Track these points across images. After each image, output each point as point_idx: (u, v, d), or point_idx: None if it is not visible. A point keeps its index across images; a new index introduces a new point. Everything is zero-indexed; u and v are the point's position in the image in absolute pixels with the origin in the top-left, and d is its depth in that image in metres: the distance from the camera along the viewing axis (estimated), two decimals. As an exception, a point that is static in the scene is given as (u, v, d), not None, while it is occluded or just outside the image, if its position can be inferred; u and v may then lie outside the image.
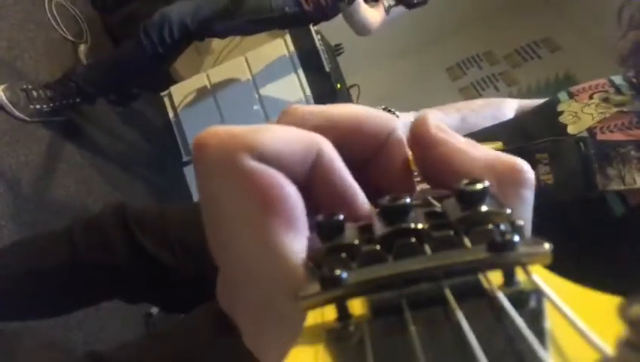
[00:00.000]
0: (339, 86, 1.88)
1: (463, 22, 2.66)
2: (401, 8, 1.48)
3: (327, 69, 1.83)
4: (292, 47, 1.84)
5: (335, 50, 2.07)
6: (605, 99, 0.50)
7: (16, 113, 1.28)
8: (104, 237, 0.70)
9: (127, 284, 0.72)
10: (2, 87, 1.27)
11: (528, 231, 0.16)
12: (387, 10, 1.47)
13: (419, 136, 0.16)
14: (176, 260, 0.68)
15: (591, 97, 0.51)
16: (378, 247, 0.13)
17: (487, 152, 0.16)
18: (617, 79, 0.53)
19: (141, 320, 1.37)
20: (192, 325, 0.56)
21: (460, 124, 0.63)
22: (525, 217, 0.16)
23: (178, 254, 0.68)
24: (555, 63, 2.48)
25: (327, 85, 1.83)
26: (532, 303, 0.11)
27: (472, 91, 2.60)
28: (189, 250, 0.68)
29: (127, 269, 0.69)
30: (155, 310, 1.38)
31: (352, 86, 2.07)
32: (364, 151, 0.17)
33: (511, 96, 2.50)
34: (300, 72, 1.82)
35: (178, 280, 0.69)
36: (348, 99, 2.01)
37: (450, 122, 0.64)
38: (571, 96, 0.53)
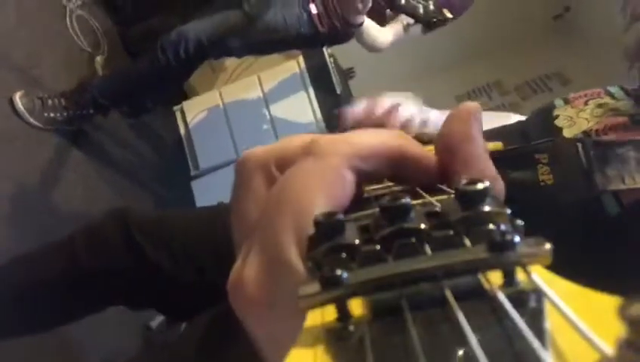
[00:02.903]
0: (349, 108, 1.90)
1: (474, 51, 2.69)
2: (419, 27, 1.50)
3: (338, 92, 1.85)
4: (304, 69, 1.87)
5: (347, 74, 2.10)
6: (600, 105, 0.50)
7: (31, 120, 1.31)
8: (106, 244, 0.71)
9: (130, 291, 0.72)
10: (19, 93, 1.30)
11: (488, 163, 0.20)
12: (405, 29, 1.50)
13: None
14: (177, 266, 0.68)
15: (586, 103, 0.52)
16: (378, 247, 0.13)
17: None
18: (613, 88, 0.53)
19: (139, 329, 1.36)
20: (190, 338, 0.56)
21: None
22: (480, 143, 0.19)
23: (179, 260, 0.68)
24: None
25: (337, 106, 1.84)
26: (532, 303, 0.11)
27: (481, 121, 2.61)
28: (189, 255, 0.68)
29: (128, 275, 0.70)
30: (154, 323, 1.37)
31: (362, 109, 2.09)
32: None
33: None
34: (312, 93, 1.85)
35: (179, 285, 0.69)
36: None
37: None
38: (567, 102, 0.54)
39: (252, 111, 1.86)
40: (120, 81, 1.49)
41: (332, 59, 1.91)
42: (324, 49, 1.86)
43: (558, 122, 0.51)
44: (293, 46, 1.63)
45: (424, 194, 0.17)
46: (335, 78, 1.87)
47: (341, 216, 0.14)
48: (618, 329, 0.09)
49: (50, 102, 1.36)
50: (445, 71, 2.69)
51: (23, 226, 1.21)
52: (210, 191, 1.72)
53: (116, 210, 0.75)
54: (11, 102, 1.29)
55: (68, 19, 1.62)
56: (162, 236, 0.70)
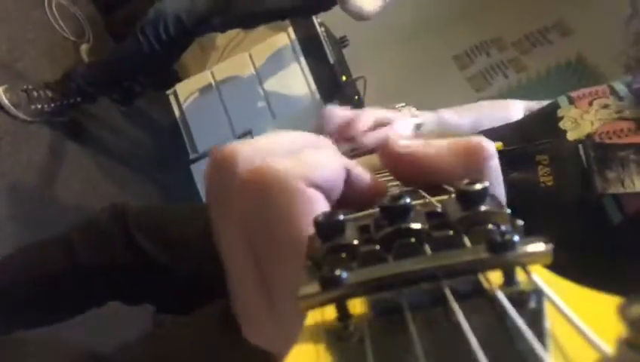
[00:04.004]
0: (344, 78, 1.87)
1: (468, 8, 2.62)
2: None
3: (332, 62, 1.82)
4: (295, 41, 1.84)
5: (340, 43, 2.06)
6: (605, 106, 0.50)
7: (18, 114, 1.28)
8: (102, 240, 0.71)
9: (126, 286, 0.73)
10: (2, 88, 1.27)
11: (502, 195, 0.20)
12: None
13: (389, 157, 0.20)
14: (174, 260, 0.68)
15: (590, 103, 0.51)
16: (378, 247, 0.13)
17: (447, 144, 0.19)
18: (617, 85, 0.53)
19: (147, 317, 1.37)
20: (196, 325, 0.56)
21: (473, 125, 0.66)
22: (498, 182, 0.19)
23: (176, 254, 0.68)
24: (566, 48, 2.42)
25: (331, 78, 1.82)
26: (532, 303, 0.11)
27: (481, 79, 2.56)
28: (186, 249, 0.68)
29: (125, 270, 0.70)
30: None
31: (358, 78, 2.07)
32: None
33: (520, 83, 2.48)
34: (304, 65, 1.82)
35: (176, 280, 0.69)
36: (354, 91, 2.01)
37: (463, 123, 0.67)
38: (571, 101, 0.54)
39: (246, 89, 1.83)
40: (104, 67, 1.44)
41: (323, 29, 1.87)
42: (314, 19, 1.82)
43: (562, 124, 0.51)
44: (277, 17, 1.58)
45: (424, 194, 0.17)
46: (327, 48, 1.83)
47: (341, 216, 0.14)
48: (618, 329, 0.09)
49: (35, 93, 1.33)
50: (440, 31, 2.62)
51: (20, 223, 1.19)
52: (210, 173, 1.72)
53: (113, 206, 0.74)
54: (-5, 98, 1.26)
55: (47, 8, 1.57)
56: (160, 232, 0.70)
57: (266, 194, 0.17)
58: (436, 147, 0.19)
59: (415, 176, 0.19)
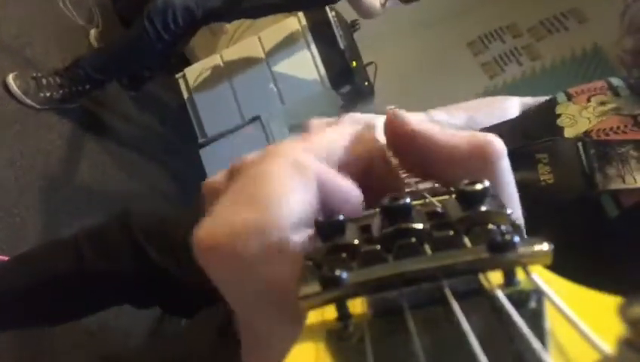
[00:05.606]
0: (354, 64, 1.85)
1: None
2: (395, 2, 1.46)
3: (342, 46, 1.79)
4: (305, 25, 1.81)
5: (351, 27, 2.03)
6: (602, 103, 0.49)
7: (27, 101, 1.29)
8: (109, 247, 0.73)
9: (134, 292, 0.75)
10: (12, 75, 1.27)
11: (514, 198, 0.19)
12: (383, 3, 1.45)
13: (396, 132, 0.19)
14: (179, 266, 0.70)
15: (589, 100, 0.51)
16: (378, 247, 0.13)
17: (462, 134, 0.18)
18: (615, 80, 0.52)
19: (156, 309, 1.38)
20: (197, 328, 0.58)
21: (467, 124, 0.65)
22: (509, 182, 0.18)
23: (181, 260, 0.70)
24: (582, 35, 2.36)
25: (341, 63, 1.80)
26: (532, 303, 0.11)
27: (495, 66, 2.51)
28: (190, 255, 0.69)
29: (132, 277, 0.72)
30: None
31: (368, 63, 2.04)
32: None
33: (534, 71, 2.43)
34: (314, 49, 1.80)
35: (182, 286, 0.70)
36: (364, 77, 1.98)
37: (456, 123, 0.66)
38: (569, 97, 0.53)
39: (255, 74, 1.82)
40: (111, 54, 1.44)
41: (334, 13, 1.84)
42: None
43: (560, 122, 0.50)
44: (285, 9, 1.57)
45: (425, 194, 0.17)
46: (338, 32, 1.81)
47: (341, 216, 0.14)
48: (618, 329, 0.09)
49: (44, 81, 1.33)
50: (454, 17, 2.57)
51: (30, 210, 1.20)
52: (219, 158, 1.73)
53: (119, 213, 0.76)
54: (5, 84, 1.26)
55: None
56: (165, 239, 0.72)
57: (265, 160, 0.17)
58: (451, 134, 0.18)
59: (419, 159, 0.18)
